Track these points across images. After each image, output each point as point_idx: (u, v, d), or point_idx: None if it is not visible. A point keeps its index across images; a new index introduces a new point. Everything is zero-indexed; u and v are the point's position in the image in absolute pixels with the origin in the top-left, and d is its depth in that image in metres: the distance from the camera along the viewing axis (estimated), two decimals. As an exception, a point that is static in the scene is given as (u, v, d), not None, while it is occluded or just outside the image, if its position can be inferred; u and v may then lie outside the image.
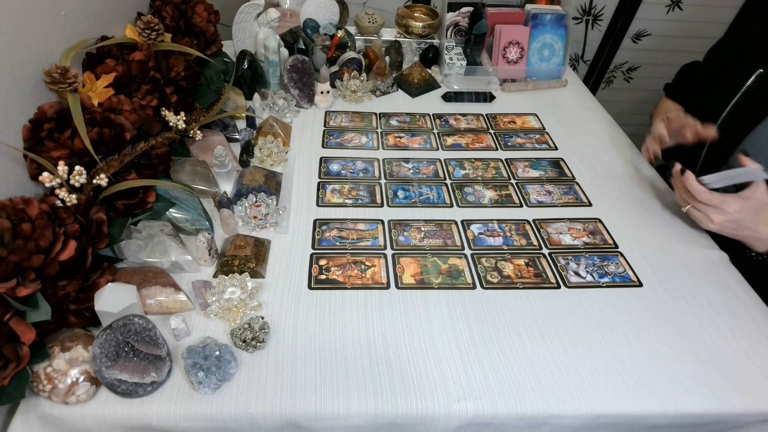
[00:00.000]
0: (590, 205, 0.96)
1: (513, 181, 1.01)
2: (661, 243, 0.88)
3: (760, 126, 0.86)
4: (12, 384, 0.56)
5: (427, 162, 1.05)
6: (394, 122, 1.17)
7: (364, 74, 1.23)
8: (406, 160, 1.05)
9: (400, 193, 0.96)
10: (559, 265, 0.83)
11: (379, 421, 0.63)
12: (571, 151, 1.10)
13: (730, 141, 0.90)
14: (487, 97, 1.27)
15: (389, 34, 1.40)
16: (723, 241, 0.87)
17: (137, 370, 0.59)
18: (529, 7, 1.30)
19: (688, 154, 0.96)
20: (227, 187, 0.92)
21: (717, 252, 0.87)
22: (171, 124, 0.87)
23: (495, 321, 0.73)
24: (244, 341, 0.66)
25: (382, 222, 0.89)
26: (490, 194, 0.97)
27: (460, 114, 1.21)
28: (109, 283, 0.65)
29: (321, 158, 1.03)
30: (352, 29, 1.34)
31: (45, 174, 0.64)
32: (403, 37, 1.37)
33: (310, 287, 0.77)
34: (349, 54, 1.26)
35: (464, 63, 1.29)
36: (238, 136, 1.04)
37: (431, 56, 1.35)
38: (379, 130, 1.14)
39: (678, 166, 0.84)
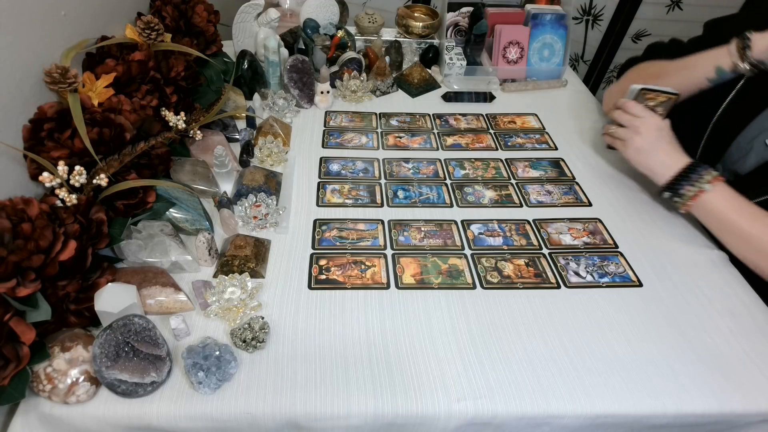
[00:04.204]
0: (590, 205, 0.96)
1: (513, 181, 1.01)
2: (661, 243, 0.88)
3: (756, 120, 0.85)
4: (12, 384, 0.56)
5: (427, 162, 1.05)
6: (394, 122, 1.17)
7: (364, 74, 1.23)
8: (406, 160, 1.05)
9: (400, 193, 0.96)
10: (559, 265, 0.83)
11: (379, 421, 0.63)
12: (571, 151, 1.10)
13: (726, 135, 0.90)
14: (487, 97, 1.27)
15: (389, 34, 1.40)
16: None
17: (137, 370, 0.59)
18: (529, 7, 1.30)
19: (685, 149, 0.96)
20: (227, 187, 0.92)
21: (717, 252, 0.87)
22: (171, 124, 0.87)
23: (495, 321, 0.73)
24: (244, 341, 0.66)
25: (382, 222, 0.89)
26: (490, 194, 0.97)
27: (460, 114, 1.21)
28: (109, 283, 0.65)
29: (321, 158, 1.03)
30: (352, 29, 1.34)
31: (45, 174, 0.64)
32: (403, 37, 1.37)
33: (310, 287, 0.77)
34: (349, 54, 1.26)
35: (464, 63, 1.29)
36: (238, 136, 1.04)
37: (431, 56, 1.35)
38: (379, 130, 1.13)
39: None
